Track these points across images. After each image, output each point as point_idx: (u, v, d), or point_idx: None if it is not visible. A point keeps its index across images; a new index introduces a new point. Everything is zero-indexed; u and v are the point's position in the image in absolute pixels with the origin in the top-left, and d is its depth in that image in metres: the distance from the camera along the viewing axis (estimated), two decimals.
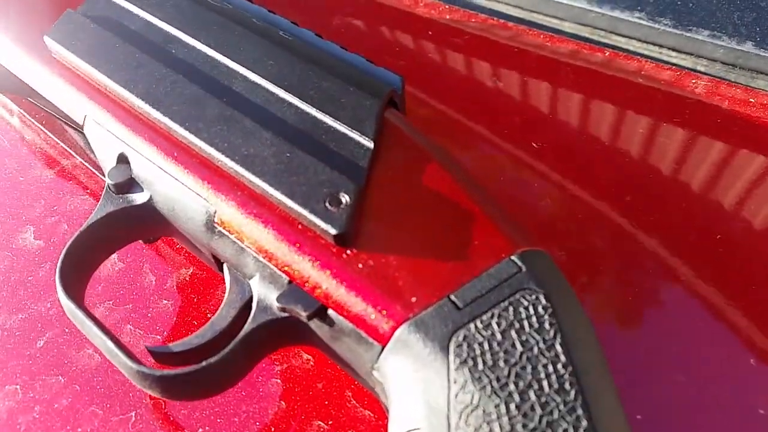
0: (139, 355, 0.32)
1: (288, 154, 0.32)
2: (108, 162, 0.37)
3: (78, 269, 0.35)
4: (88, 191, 0.47)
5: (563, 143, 0.46)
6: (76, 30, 0.39)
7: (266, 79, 0.36)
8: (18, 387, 0.39)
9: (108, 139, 0.37)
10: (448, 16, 0.55)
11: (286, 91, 0.35)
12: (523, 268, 0.28)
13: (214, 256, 0.35)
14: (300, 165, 0.32)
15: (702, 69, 0.51)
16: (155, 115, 0.35)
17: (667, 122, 0.46)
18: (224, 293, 0.34)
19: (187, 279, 0.42)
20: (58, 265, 0.34)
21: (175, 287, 0.41)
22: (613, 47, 0.53)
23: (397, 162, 0.33)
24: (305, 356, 0.38)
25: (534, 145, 0.44)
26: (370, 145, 0.33)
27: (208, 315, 0.40)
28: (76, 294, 0.34)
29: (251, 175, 0.32)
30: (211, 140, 0.33)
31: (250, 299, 0.32)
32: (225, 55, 0.37)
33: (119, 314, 0.41)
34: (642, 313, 0.38)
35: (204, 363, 0.30)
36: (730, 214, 0.42)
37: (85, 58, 0.38)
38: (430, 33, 0.53)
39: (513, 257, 0.29)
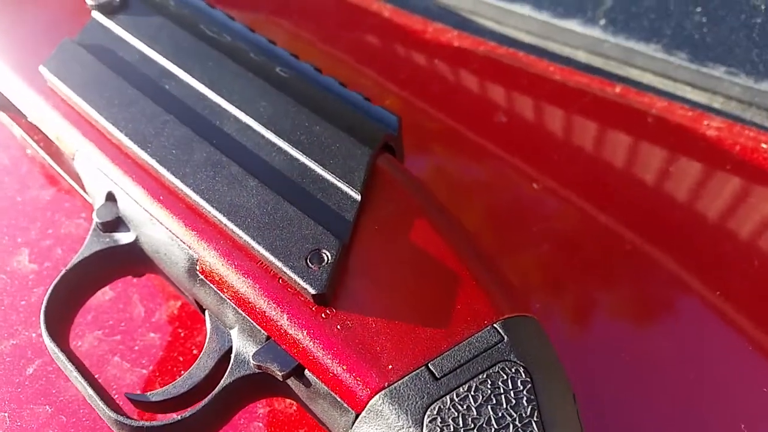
0: (120, 395, 0.31)
1: (272, 205, 0.31)
2: (97, 198, 0.37)
3: (64, 307, 0.35)
4: (83, 216, 0.46)
5: (571, 181, 0.45)
6: (72, 61, 0.39)
7: (258, 122, 0.35)
8: (6, 415, 0.39)
9: (97, 175, 0.36)
10: (457, 44, 0.53)
11: (276, 135, 0.34)
12: (505, 338, 0.27)
13: (197, 302, 0.35)
14: (284, 217, 0.31)
15: (717, 106, 0.50)
16: (143, 156, 0.34)
17: (675, 165, 0.45)
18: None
19: (175, 312, 0.41)
20: (43, 304, 0.34)
21: (163, 320, 0.41)
22: (627, 80, 0.52)
23: (384, 216, 0.32)
24: (288, 400, 0.37)
25: (534, 186, 0.43)
26: (358, 197, 0.32)
27: (194, 351, 0.40)
28: (60, 333, 0.34)
29: (234, 225, 0.31)
30: (196, 186, 0.33)
31: (230, 350, 0.32)
32: (218, 94, 0.36)
33: (107, 345, 0.40)
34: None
35: (179, 417, 0.30)
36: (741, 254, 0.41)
37: (79, 92, 0.38)
38: (436, 61, 0.51)
39: (496, 325, 0.28)
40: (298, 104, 0.36)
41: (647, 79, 0.52)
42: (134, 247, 0.35)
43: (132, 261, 0.36)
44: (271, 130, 0.34)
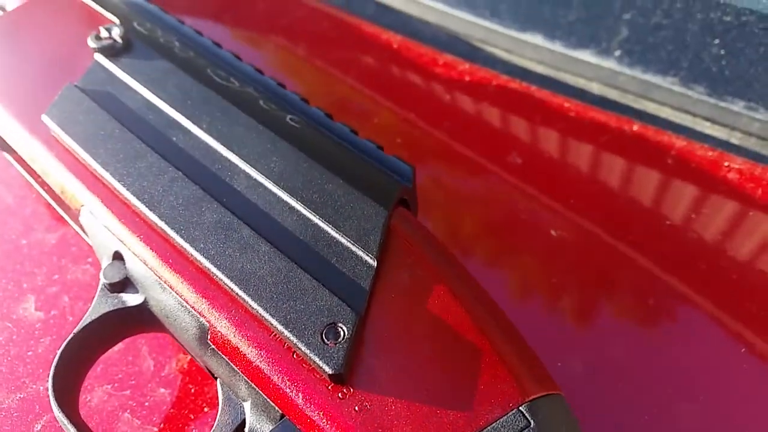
0: None
1: (286, 273, 0.30)
2: (103, 256, 0.36)
3: (72, 373, 0.34)
4: (90, 260, 0.45)
5: (590, 231, 0.43)
6: (75, 109, 0.38)
7: (269, 179, 0.34)
8: None
9: (103, 233, 0.35)
10: (468, 78, 0.52)
11: (288, 194, 0.33)
12: (532, 423, 0.26)
13: (208, 368, 0.34)
14: (298, 287, 0.30)
15: (736, 142, 0.49)
16: (151, 216, 0.33)
17: (696, 209, 0.43)
18: None
19: (185, 366, 0.40)
20: (51, 372, 0.33)
21: (173, 374, 0.40)
22: (644, 114, 0.51)
23: (401, 282, 0.31)
24: None
25: (552, 233, 0.42)
26: (374, 263, 0.31)
27: (205, 409, 0.39)
28: (69, 402, 0.33)
29: (246, 295, 0.30)
30: (207, 251, 0.31)
31: (243, 423, 0.31)
32: (228, 148, 0.35)
33: (117, 401, 0.40)
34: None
35: None
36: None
37: (83, 144, 0.36)
38: (448, 97, 0.50)
39: (522, 408, 0.27)
40: (310, 159, 0.35)
41: (665, 113, 0.51)
42: (143, 310, 0.34)
43: (141, 322, 0.35)
44: (283, 189, 0.33)
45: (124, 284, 0.35)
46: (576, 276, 0.41)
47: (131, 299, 0.34)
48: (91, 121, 0.38)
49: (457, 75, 0.53)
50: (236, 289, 0.30)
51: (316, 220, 0.32)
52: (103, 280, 0.34)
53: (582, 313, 0.40)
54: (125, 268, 0.34)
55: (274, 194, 0.34)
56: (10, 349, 0.42)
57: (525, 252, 0.42)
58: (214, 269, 0.31)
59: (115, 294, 0.35)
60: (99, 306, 0.35)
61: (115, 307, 0.34)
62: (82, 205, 0.36)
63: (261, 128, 0.36)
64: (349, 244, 0.31)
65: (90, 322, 0.34)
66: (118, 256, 0.35)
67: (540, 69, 0.55)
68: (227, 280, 0.31)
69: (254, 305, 0.30)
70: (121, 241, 0.34)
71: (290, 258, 0.31)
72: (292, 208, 0.33)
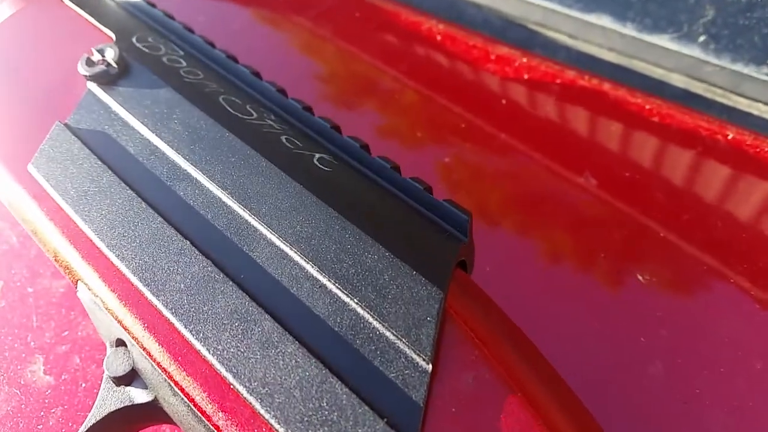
0: None
1: (318, 386, 0.24)
2: (106, 340, 0.30)
3: None
4: None
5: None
6: (64, 156, 0.32)
7: (295, 248, 0.28)
8: None
9: (103, 315, 0.29)
10: (526, 75, 0.44)
11: (319, 269, 0.27)
12: None
13: None
14: (333, 405, 0.24)
15: None
16: (154, 301, 0.27)
17: None
18: None
19: None
20: None
21: None
22: (734, 111, 0.42)
23: (463, 390, 0.25)
24: None
25: (640, 278, 0.35)
26: (428, 366, 0.25)
27: None
28: None
29: (271, 417, 0.24)
30: (221, 352, 0.26)
31: None
32: (244, 206, 0.29)
33: None
34: None
35: None
36: None
37: (73, 202, 0.31)
38: (504, 101, 0.43)
39: None
40: (346, 220, 0.28)
41: (759, 110, 0.42)
42: (153, 407, 0.29)
43: (153, 418, 0.30)
44: (312, 262, 0.27)
45: (131, 377, 0.29)
46: (606, 246, 0.36)
47: (140, 395, 0.29)
48: (83, 171, 0.32)
49: (513, 72, 0.46)
50: (258, 406, 0.24)
51: (353, 305, 0.26)
52: (106, 372, 0.29)
53: (613, 281, 0.35)
54: (131, 357, 0.29)
55: (302, 268, 0.27)
56: (19, 422, 0.38)
57: (554, 224, 0.37)
58: (231, 378, 0.25)
59: (122, 387, 0.29)
60: (104, 403, 0.29)
61: (122, 405, 0.29)
62: (78, 280, 0.30)
63: (284, 178, 0.30)
64: (395, 340, 0.25)
65: (95, 423, 0.29)
66: (121, 344, 0.29)
67: (609, 57, 0.47)
68: (247, 394, 0.25)
69: (281, 430, 0.24)
70: (123, 327, 0.29)
71: (323, 362, 0.25)
72: (323, 288, 0.27)
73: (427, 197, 0.31)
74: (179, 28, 0.40)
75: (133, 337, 0.28)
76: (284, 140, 0.33)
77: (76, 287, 0.31)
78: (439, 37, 0.47)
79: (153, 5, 0.42)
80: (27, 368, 0.40)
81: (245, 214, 0.29)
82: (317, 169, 0.31)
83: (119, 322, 0.29)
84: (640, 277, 0.34)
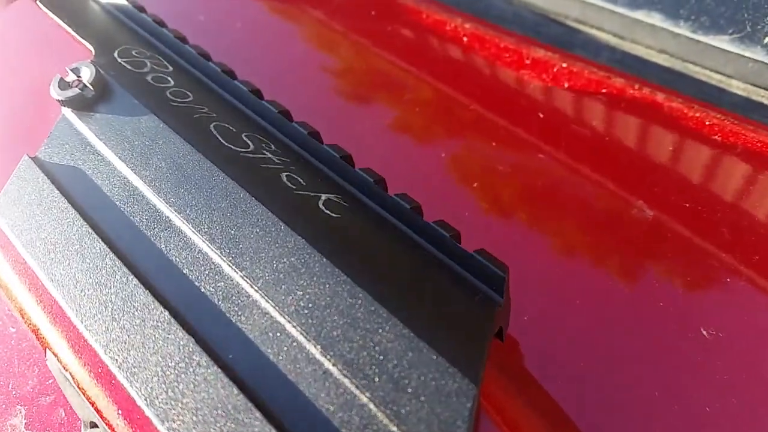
0: None
1: None
2: (80, 417, 0.26)
3: None
4: None
5: None
6: (31, 199, 0.28)
7: (294, 322, 0.23)
8: None
9: (72, 392, 0.25)
10: (566, 84, 0.39)
11: (322, 350, 0.22)
12: None
13: None
14: None
15: None
16: (126, 386, 0.23)
17: None
18: None
19: None
20: None
21: None
22: None
23: None
24: None
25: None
26: None
27: None
28: None
29: None
30: None
31: None
32: (236, 266, 0.25)
33: None
34: None
35: None
36: None
37: (39, 258, 0.26)
38: (541, 115, 0.37)
39: None
40: (356, 286, 0.23)
41: None
42: None
43: None
44: (315, 341, 0.22)
45: None
46: (621, 240, 0.33)
47: None
48: (51, 219, 0.27)
49: (551, 80, 0.40)
50: None
51: (364, 399, 0.21)
52: None
53: (628, 275, 0.32)
54: None
55: (302, 348, 0.23)
56: None
57: (568, 218, 0.34)
58: None
59: None
60: None
61: None
62: (46, 347, 0.26)
63: (283, 230, 0.25)
64: None
65: None
66: (94, 426, 0.25)
67: (660, 59, 0.41)
68: None
69: None
70: (97, 411, 0.24)
71: None
72: (328, 375, 0.22)
73: (455, 247, 0.26)
74: (169, 38, 0.35)
75: (106, 423, 0.24)
76: (285, 178, 0.28)
77: (45, 354, 0.27)
78: (465, 39, 0.42)
79: (141, 9, 0.37)
80: (7, 421, 0.35)
81: (236, 276, 0.24)
82: (323, 215, 0.26)
83: (91, 403, 0.25)
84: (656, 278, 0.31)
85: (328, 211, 0.27)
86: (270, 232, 0.25)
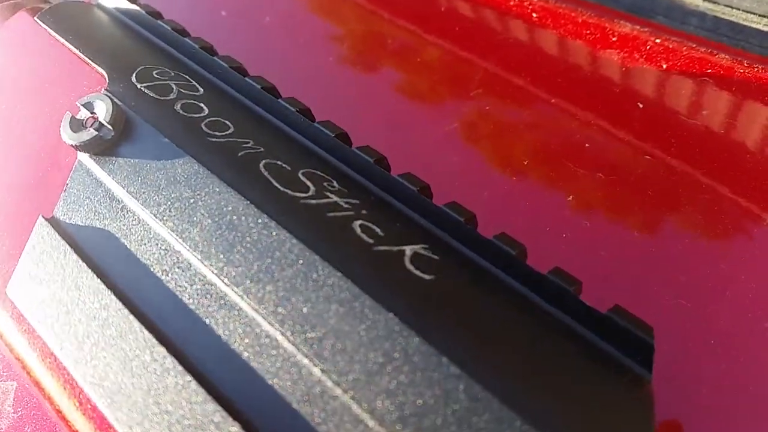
0: None
1: None
2: None
3: None
4: None
5: None
6: (50, 274, 0.23)
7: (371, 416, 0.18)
8: None
9: None
10: (664, 64, 0.33)
11: None
12: None
13: None
14: None
15: None
16: None
17: None
18: None
19: None
20: None
21: None
22: None
23: None
24: None
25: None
26: None
27: None
28: None
29: None
30: None
31: None
32: (311, 357, 0.20)
33: None
34: None
35: None
36: None
37: (66, 350, 0.22)
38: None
39: None
40: (469, 378, 0.18)
41: None
42: None
43: None
44: None
45: None
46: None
47: None
48: (78, 299, 0.22)
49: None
50: None
51: None
52: None
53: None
54: None
55: None
56: None
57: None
58: None
59: None
60: None
61: None
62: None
63: (369, 306, 0.20)
64: None
65: None
66: None
67: (760, 24, 0.35)
68: None
69: None
70: None
71: None
72: None
73: (579, 304, 0.21)
74: (195, 50, 0.29)
75: None
76: (359, 229, 0.23)
77: None
78: (535, 15, 0.36)
79: (157, 16, 0.31)
80: None
81: (316, 371, 0.19)
82: (414, 278, 0.21)
83: None
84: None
85: (418, 272, 0.21)
86: (354, 309, 0.20)
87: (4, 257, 0.25)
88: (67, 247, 0.23)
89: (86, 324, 0.22)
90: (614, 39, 0.34)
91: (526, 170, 0.32)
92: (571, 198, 0.30)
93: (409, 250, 0.22)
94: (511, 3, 0.38)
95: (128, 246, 0.23)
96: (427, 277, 0.21)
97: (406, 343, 0.19)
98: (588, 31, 0.35)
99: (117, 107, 0.25)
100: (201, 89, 0.28)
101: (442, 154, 0.33)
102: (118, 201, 0.24)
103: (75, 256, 0.23)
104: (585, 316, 0.21)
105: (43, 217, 0.24)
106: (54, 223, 0.24)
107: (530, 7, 0.36)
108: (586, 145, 0.31)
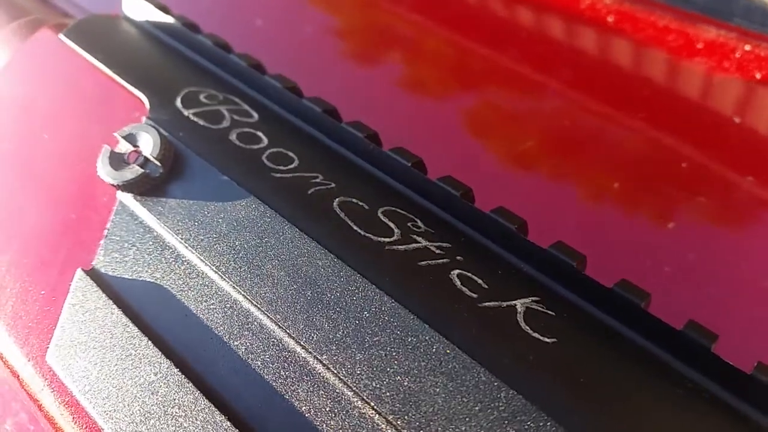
0: None
1: None
2: None
3: None
4: None
5: None
6: (93, 338, 0.20)
7: None
8: None
9: None
10: (758, 74, 0.30)
11: None
12: None
13: None
14: None
15: None
16: None
17: None
18: None
19: None
20: None
21: None
22: None
23: None
24: None
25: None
26: None
27: None
28: None
29: None
30: None
31: None
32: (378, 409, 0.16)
33: None
34: None
35: None
36: None
37: (100, 416, 0.18)
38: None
39: None
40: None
41: None
42: None
43: None
44: None
45: None
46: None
47: None
48: (125, 364, 0.19)
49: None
50: None
51: None
52: None
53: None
54: None
55: None
56: None
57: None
58: None
59: None
60: None
61: None
62: None
63: (486, 381, 0.17)
64: None
65: None
66: None
67: None
68: None
69: None
70: None
71: None
72: None
73: (714, 359, 0.18)
74: (241, 67, 0.26)
75: None
76: (458, 281, 0.19)
77: None
78: (611, 18, 0.32)
79: (195, 29, 0.28)
80: None
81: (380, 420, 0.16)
82: (532, 341, 0.18)
83: None
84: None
85: (536, 334, 0.18)
86: (467, 384, 0.17)
87: (38, 316, 0.22)
88: (113, 306, 0.20)
89: (142, 400, 0.19)
90: (698, 44, 0.31)
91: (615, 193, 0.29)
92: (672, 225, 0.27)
93: (520, 305, 0.19)
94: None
95: (185, 303, 0.20)
96: (547, 339, 0.18)
97: (528, 423, 0.16)
98: (670, 37, 0.32)
99: (164, 140, 0.22)
100: (255, 115, 0.24)
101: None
102: (171, 249, 0.21)
103: (124, 318, 0.20)
104: (720, 372, 0.18)
105: (82, 269, 0.21)
106: (95, 276, 0.21)
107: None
108: (683, 164, 0.28)
